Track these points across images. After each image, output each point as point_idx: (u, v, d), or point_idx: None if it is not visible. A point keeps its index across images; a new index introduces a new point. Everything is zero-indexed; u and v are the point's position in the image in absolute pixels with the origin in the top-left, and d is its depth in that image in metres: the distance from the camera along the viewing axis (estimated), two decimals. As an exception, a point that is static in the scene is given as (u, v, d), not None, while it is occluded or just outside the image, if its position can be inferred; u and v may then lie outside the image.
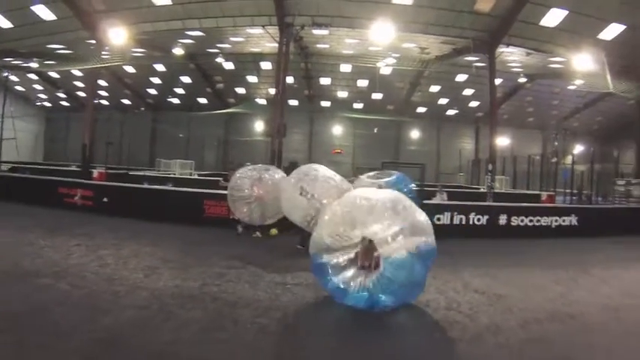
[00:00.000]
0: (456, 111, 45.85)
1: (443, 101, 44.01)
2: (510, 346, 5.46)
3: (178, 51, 31.63)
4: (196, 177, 33.23)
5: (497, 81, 32.91)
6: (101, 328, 5.29)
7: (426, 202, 15.23)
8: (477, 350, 5.36)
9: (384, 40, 23.62)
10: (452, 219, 14.64)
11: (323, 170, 8.75)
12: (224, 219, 13.49)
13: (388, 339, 5.65)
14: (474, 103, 43.19)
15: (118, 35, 22.56)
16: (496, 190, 26.24)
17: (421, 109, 46.16)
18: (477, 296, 7.58)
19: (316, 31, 24.79)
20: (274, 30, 23.64)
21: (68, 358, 4.49)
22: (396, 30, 22.44)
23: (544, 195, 26.66)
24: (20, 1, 23.28)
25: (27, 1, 23.29)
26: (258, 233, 12.27)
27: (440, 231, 13.76)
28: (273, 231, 12.39)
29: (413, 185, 11.08)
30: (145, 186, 17.83)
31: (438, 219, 14.41)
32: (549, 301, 7.51)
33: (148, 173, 30.06)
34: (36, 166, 31.82)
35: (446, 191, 20.46)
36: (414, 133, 49.04)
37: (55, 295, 6.42)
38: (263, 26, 23.66)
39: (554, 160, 31.11)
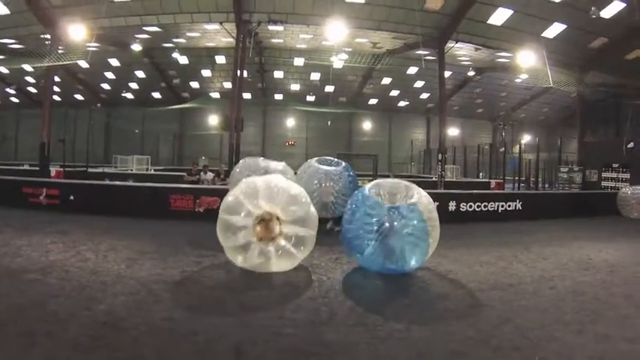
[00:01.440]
0: (407, 102, 47.07)
1: (394, 93, 45.14)
2: (458, 310, 6.44)
3: (136, 47, 31.53)
4: (153, 172, 33.19)
5: (447, 74, 34.24)
6: (99, 313, 5.89)
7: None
8: (428, 313, 6.32)
9: (337, 36, 24.29)
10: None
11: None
12: (189, 212, 14.23)
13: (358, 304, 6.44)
14: (424, 95, 44.50)
15: (75, 31, 22.28)
16: (447, 179, 27.42)
17: (373, 101, 47.23)
18: (427, 273, 8.55)
19: (271, 27, 25.25)
20: (231, 26, 23.97)
21: (77, 340, 5.04)
22: (349, 27, 23.20)
23: (493, 183, 28.02)
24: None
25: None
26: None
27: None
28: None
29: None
30: (112, 182, 18.00)
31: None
32: (492, 274, 8.56)
33: (107, 170, 29.98)
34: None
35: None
36: (366, 125, 50.03)
37: (47, 289, 6.88)
38: (220, 22, 23.98)
39: (502, 149, 32.60)
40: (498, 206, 16.71)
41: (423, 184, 19.47)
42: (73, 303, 6.30)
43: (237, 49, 23.91)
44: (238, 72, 24.39)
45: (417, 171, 45.40)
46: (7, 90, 45.70)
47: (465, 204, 16.20)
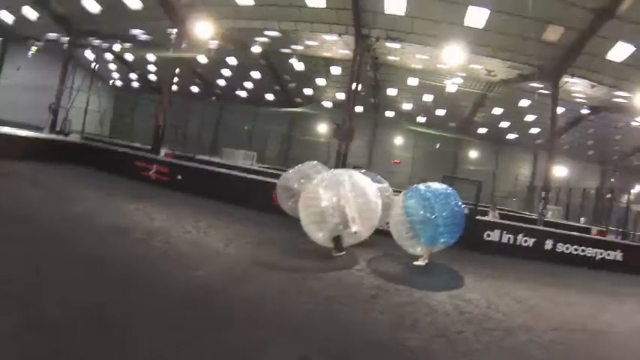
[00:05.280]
0: (517, 136, 45.57)
1: (504, 124, 43.77)
2: (539, 342, 6.24)
3: (256, 49, 32.90)
4: (257, 168, 34.13)
5: (560, 110, 32.84)
6: (196, 278, 6.54)
7: (478, 218, 15.99)
8: (512, 340, 6.18)
9: (453, 60, 24.15)
10: (501, 237, 15.20)
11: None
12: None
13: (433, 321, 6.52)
14: (534, 130, 42.82)
15: (200, 28, 23.93)
16: (547, 219, 26.28)
17: (482, 130, 46.11)
18: (514, 303, 8.30)
19: (389, 44, 25.51)
20: (349, 39, 24.48)
21: (176, 295, 5.70)
22: (466, 52, 22.99)
23: (594, 230, 26.54)
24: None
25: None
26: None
27: (489, 247, 14.62)
28: None
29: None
30: (218, 169, 18.91)
31: (488, 235, 15.12)
32: (579, 316, 8.11)
33: (213, 159, 31.42)
34: (107, 140, 33.70)
35: (498, 210, 20.93)
36: (473, 153, 48.92)
37: (151, 250, 7.70)
38: (339, 34, 24.59)
39: (609, 196, 30.86)
40: (597, 253, 15.50)
41: (522, 221, 19.13)
42: (174, 265, 7.02)
43: (354, 61, 24.29)
44: (354, 85, 24.79)
45: (518, 207, 43.80)
46: (130, 75, 49.35)
47: (562, 244, 15.39)
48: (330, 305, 6.39)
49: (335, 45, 28.62)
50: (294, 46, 32.55)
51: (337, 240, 9.61)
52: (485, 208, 19.66)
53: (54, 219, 8.65)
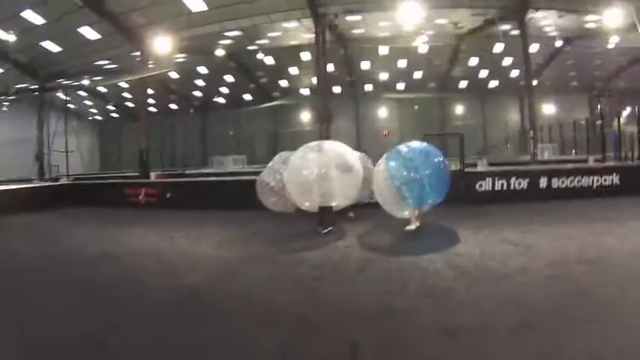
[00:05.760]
0: (498, 82, 45.36)
1: (484, 74, 43.60)
2: (535, 283, 6.02)
3: (220, 52, 32.76)
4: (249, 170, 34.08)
5: (535, 47, 32.59)
6: (183, 285, 6.62)
7: (467, 170, 15.87)
8: (506, 287, 5.94)
9: (414, 18, 23.93)
10: (493, 185, 15.05)
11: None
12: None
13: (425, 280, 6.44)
14: (515, 73, 42.54)
15: (160, 44, 23.94)
16: (540, 159, 26.06)
17: (463, 84, 45.98)
18: (510, 247, 8.12)
19: (350, 18, 25.30)
20: (309, 22, 24.32)
21: (163, 302, 5.82)
22: (425, 7, 22.70)
23: (591, 159, 26.27)
24: (66, 25, 24.70)
25: (73, 24, 24.77)
26: (351, 214, 12.04)
27: (483, 197, 14.48)
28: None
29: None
30: (202, 179, 19.05)
31: (480, 185, 15.02)
32: (577, 247, 7.77)
33: (203, 171, 31.42)
34: (96, 175, 33.79)
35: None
36: (459, 109, 48.80)
37: (141, 268, 7.91)
38: (298, 19, 24.41)
39: (599, 122, 30.55)
40: (593, 181, 15.21)
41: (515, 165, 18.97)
42: (164, 276, 7.24)
43: (317, 42, 24.15)
44: (323, 65, 24.62)
45: (514, 152, 43.54)
46: (107, 107, 49.29)
47: (556, 179, 15.15)
48: (315, 286, 6.43)
49: (298, 31, 28.43)
50: (259, 42, 32.43)
51: (324, 212, 10.12)
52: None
53: (43, 258, 8.89)
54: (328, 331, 4.71)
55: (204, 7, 23.36)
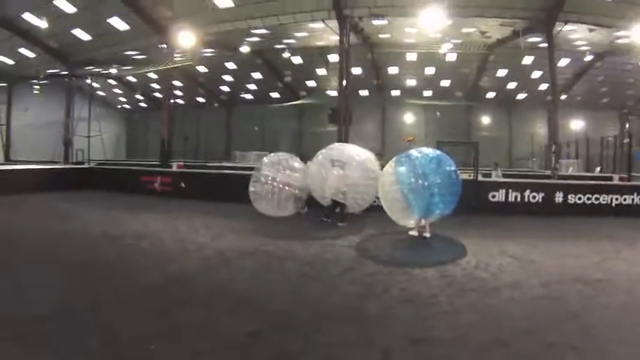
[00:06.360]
0: (526, 95, 44.63)
1: (511, 85, 42.92)
2: (523, 301, 5.74)
3: (245, 48, 32.99)
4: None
5: (565, 61, 31.97)
6: (172, 270, 6.82)
7: (480, 179, 15.57)
8: (492, 301, 5.72)
9: (438, 26, 23.67)
10: (507, 196, 14.76)
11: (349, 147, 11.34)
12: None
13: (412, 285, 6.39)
14: (544, 86, 41.79)
15: (186, 38, 24.14)
16: (563, 173, 25.47)
17: (490, 95, 45.36)
18: (509, 260, 7.90)
19: (375, 22, 25.11)
20: (335, 23, 24.24)
21: (149, 285, 5.97)
22: (450, 15, 22.43)
23: (616, 177, 25.58)
24: (96, 15, 25.37)
25: (103, 14, 25.43)
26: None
27: (494, 208, 14.20)
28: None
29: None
30: (218, 171, 19.26)
31: (493, 196, 14.73)
32: (580, 267, 7.49)
33: (224, 164, 31.64)
34: (121, 162, 34.49)
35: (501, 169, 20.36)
36: (485, 119, 48.08)
37: (138, 251, 8.13)
38: (323, 20, 24.31)
39: (627, 141, 29.79)
40: (611, 199, 14.73)
41: (533, 179, 18.53)
42: (155, 261, 7.40)
43: (341, 43, 24.06)
44: (345, 66, 24.50)
45: (539, 166, 42.68)
46: (136, 96, 49.94)
47: (573, 195, 14.74)
48: (299, 282, 6.47)
49: (325, 32, 28.42)
50: (286, 41, 32.52)
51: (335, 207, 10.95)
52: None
53: (43, 236, 9.25)
54: (296, 326, 4.71)
55: (230, 4, 23.52)
